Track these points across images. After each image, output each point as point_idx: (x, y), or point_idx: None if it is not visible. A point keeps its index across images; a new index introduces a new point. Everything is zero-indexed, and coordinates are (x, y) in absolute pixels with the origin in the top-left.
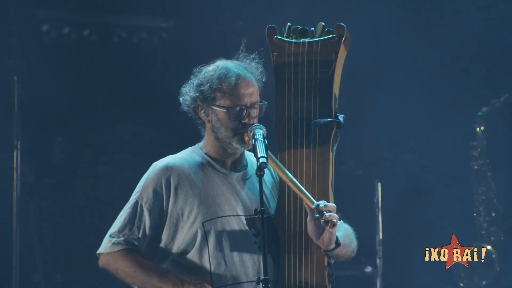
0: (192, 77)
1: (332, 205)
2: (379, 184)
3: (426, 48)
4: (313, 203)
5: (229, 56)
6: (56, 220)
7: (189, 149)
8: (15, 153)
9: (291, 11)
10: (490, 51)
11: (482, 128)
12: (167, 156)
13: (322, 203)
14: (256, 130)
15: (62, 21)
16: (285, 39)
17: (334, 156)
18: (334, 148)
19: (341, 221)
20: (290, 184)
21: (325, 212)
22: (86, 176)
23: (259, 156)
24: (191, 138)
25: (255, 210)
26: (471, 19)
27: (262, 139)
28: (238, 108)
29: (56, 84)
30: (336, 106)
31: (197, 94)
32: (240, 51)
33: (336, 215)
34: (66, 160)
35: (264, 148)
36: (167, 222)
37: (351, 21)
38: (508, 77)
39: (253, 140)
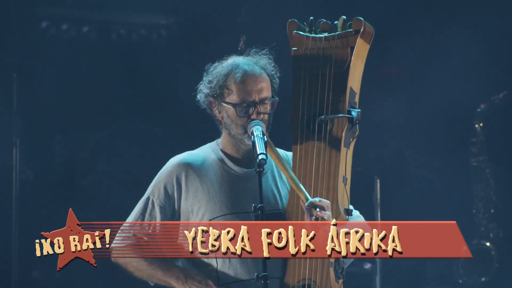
0: (204, 74)
1: (325, 201)
2: (378, 180)
3: (425, 45)
4: (307, 200)
5: (238, 52)
6: (55, 217)
7: (207, 145)
8: (14, 151)
9: (291, 7)
10: (490, 47)
11: (481, 124)
12: (182, 152)
13: (315, 200)
14: (255, 127)
15: (61, 18)
16: (303, 33)
17: (349, 152)
18: (350, 143)
19: (357, 212)
20: (289, 180)
21: (317, 209)
22: (86, 174)
23: (258, 152)
24: (191, 136)
25: (254, 207)
26: (471, 15)
27: (261, 135)
28: (245, 104)
29: (55, 82)
30: (355, 101)
31: (208, 91)
32: (241, 47)
33: (328, 212)
34: (66, 157)
35: (263, 145)
36: (181, 220)
37: (348, 15)
38: (507, 74)
39: (252, 136)
